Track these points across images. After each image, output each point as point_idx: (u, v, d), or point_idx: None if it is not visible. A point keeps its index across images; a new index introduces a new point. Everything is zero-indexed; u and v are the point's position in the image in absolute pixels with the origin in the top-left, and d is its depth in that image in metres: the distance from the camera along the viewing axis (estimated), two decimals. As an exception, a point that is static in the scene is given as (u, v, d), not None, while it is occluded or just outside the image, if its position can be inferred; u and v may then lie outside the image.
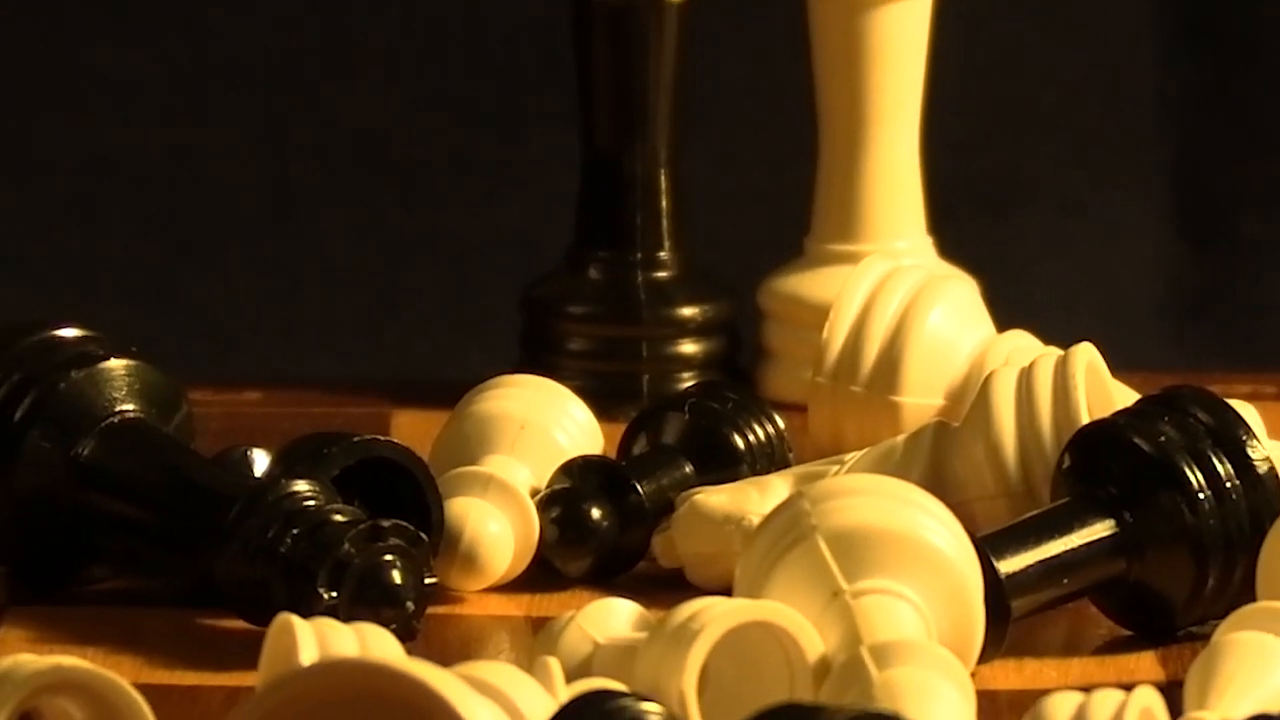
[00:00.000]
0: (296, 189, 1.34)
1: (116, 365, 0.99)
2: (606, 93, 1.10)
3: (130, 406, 0.99)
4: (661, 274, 1.11)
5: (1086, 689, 0.81)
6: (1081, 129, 1.34)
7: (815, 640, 0.86)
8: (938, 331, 1.05)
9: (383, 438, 1.00)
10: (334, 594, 0.92)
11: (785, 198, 1.14)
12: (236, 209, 1.36)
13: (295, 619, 0.87)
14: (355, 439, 0.99)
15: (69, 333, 1.00)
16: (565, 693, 0.82)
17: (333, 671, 0.77)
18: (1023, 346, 1.03)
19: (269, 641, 0.87)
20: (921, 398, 1.04)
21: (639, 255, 1.11)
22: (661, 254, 1.11)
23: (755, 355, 1.14)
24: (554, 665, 0.84)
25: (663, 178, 1.11)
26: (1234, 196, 1.34)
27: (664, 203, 1.11)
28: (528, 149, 1.26)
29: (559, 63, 1.12)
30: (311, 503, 0.94)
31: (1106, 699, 0.79)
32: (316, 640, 0.86)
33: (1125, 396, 1.00)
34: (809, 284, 1.11)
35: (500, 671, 0.82)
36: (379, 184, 1.34)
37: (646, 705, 0.79)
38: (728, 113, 1.19)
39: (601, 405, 1.05)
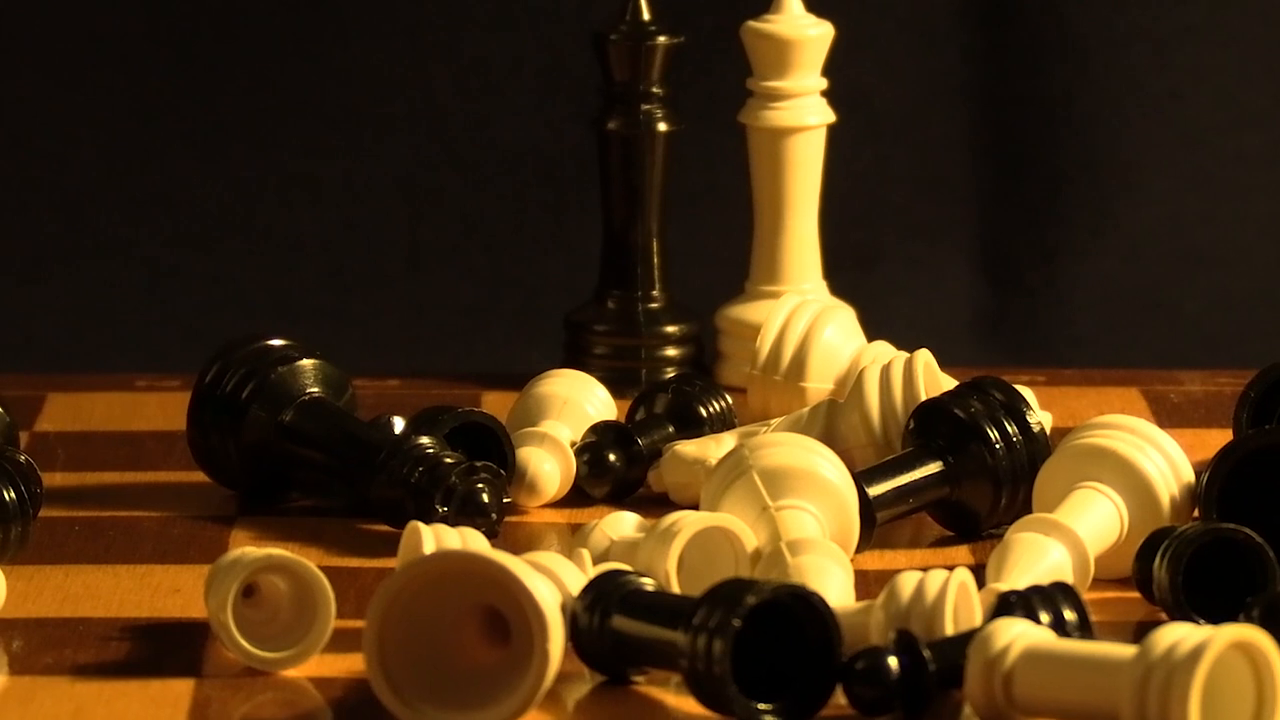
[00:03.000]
0: (428, 239, 1.32)
1: (307, 363, 0.98)
2: (619, 190, 1.07)
3: (316, 389, 0.98)
4: (654, 305, 1.09)
5: (924, 569, 0.81)
6: (917, 212, 1.30)
7: (751, 538, 0.86)
8: (830, 341, 1.02)
9: (476, 410, 0.99)
10: (445, 509, 0.92)
11: (733, 258, 1.11)
12: (383, 254, 1.33)
13: (421, 525, 0.86)
14: (459, 410, 0.98)
15: (277, 342, 0.99)
16: (593, 572, 0.82)
17: (443, 558, 0.78)
18: (883, 352, 1.01)
19: (404, 539, 0.87)
20: (819, 384, 1.02)
21: (640, 293, 1.08)
22: (654, 293, 1.09)
23: (713, 357, 1.12)
24: (586, 554, 0.85)
25: (655, 245, 1.08)
26: (1021, 256, 1.30)
27: (656, 260, 1.08)
28: (570, 225, 1.25)
29: (591, 170, 1.09)
30: (431, 450, 0.94)
31: (937, 575, 0.80)
32: (434, 538, 0.85)
33: (948, 384, 0.99)
34: (748, 312, 1.09)
35: (552, 558, 0.83)
36: (476, 246, 1.32)
37: (644, 579, 0.81)
38: (697, 204, 1.17)
39: (615, 389, 1.03)
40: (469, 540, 0.86)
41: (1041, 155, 1.31)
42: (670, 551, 0.85)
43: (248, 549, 0.84)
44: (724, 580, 0.79)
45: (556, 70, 1.29)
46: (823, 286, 1.11)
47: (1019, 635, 0.76)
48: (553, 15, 1.28)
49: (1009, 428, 0.93)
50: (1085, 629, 0.80)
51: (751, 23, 1.05)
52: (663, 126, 1.06)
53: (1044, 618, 0.79)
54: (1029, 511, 0.91)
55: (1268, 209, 1.30)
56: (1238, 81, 1.30)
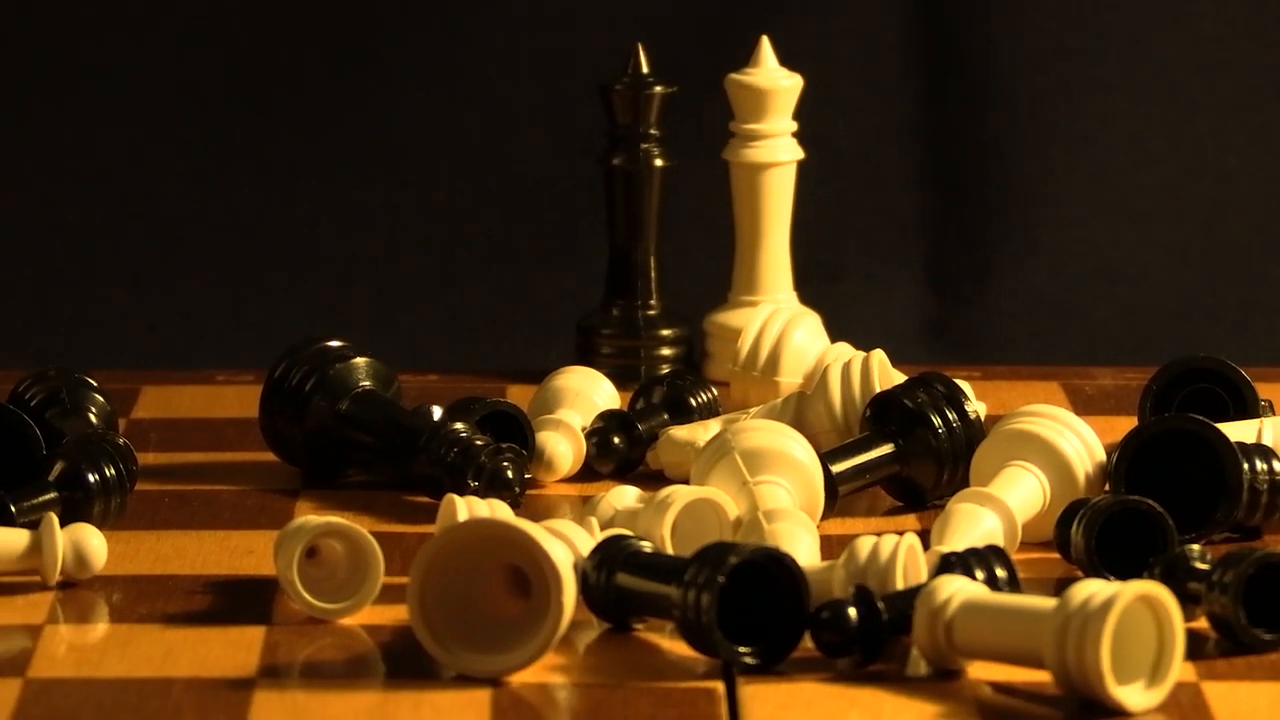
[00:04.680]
0: (462, 258, 1.31)
1: (359, 360, 0.97)
2: (622, 216, 1.07)
3: (368, 383, 0.97)
4: (652, 312, 1.08)
5: (879, 535, 0.81)
6: (873, 235, 1.30)
7: (733, 508, 0.86)
8: (800, 342, 1.02)
9: (503, 400, 0.99)
10: (476, 483, 0.91)
11: (718, 273, 1.10)
12: (424, 271, 1.32)
13: (456, 497, 0.86)
14: (488, 400, 0.98)
15: (334, 343, 0.98)
16: (600, 536, 0.82)
17: (474, 525, 0.79)
18: (844, 351, 1.00)
19: (441, 509, 0.86)
20: (791, 379, 1.02)
21: (639, 302, 1.07)
22: (652, 302, 1.08)
23: (702, 356, 1.10)
24: (594, 522, 0.85)
25: (652, 262, 1.07)
26: (961, 273, 1.31)
27: (653, 275, 1.07)
28: (581, 246, 1.23)
29: (598, 200, 1.08)
30: (464, 434, 0.93)
31: (889, 539, 0.80)
32: (467, 508, 0.85)
33: (898, 378, 0.98)
34: (730, 318, 1.08)
35: (566, 525, 0.83)
36: (501, 264, 1.31)
37: (643, 543, 0.81)
38: (688, 227, 1.16)
39: (619, 383, 1.02)
40: (496, 510, 0.86)
41: (977, 188, 1.31)
42: (665, 520, 0.84)
43: (310, 517, 0.84)
44: (710, 544, 0.79)
45: (569, 116, 1.28)
46: (793, 297, 1.09)
47: (958, 590, 0.76)
48: (567, 70, 1.28)
49: (950, 415, 0.93)
50: (1014, 585, 0.80)
51: (733, 75, 1.05)
52: (659, 162, 1.05)
53: (979, 575, 0.79)
54: (967, 485, 0.90)
55: (1165, 234, 1.30)
56: (1141, 127, 1.30)
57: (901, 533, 0.82)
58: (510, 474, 0.92)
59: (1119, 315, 1.29)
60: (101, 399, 0.99)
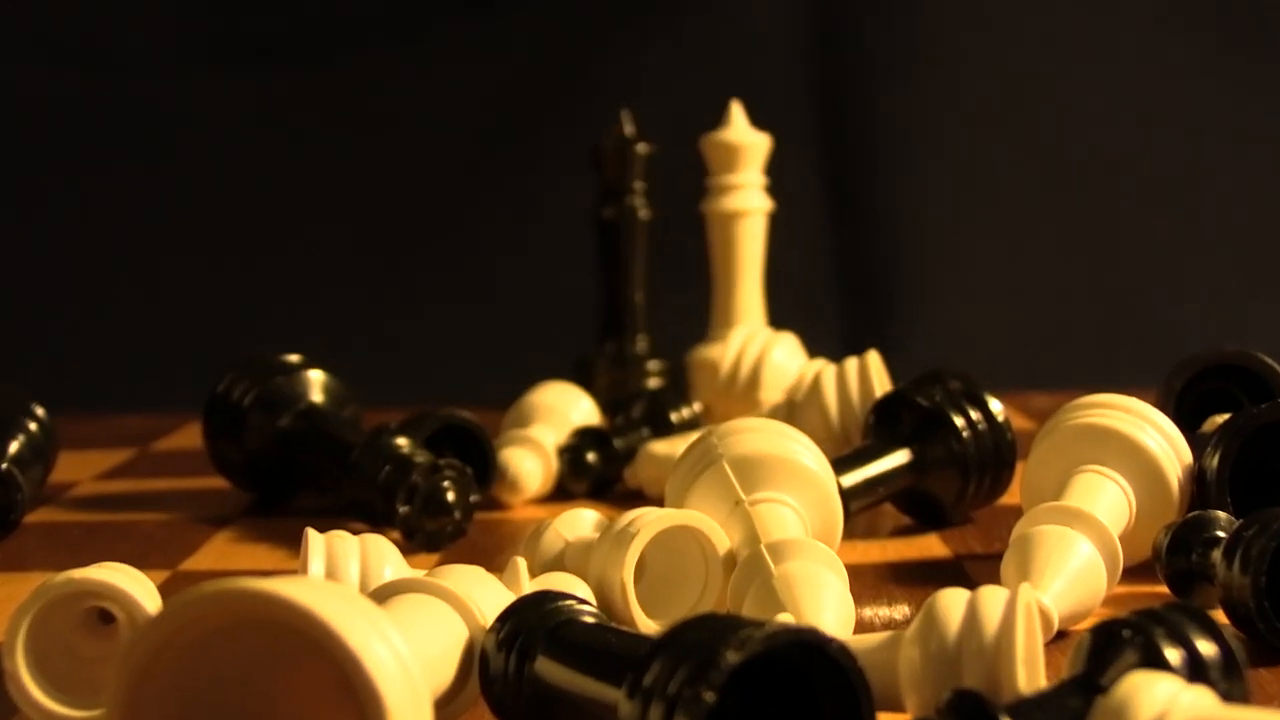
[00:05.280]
0: (482, 310, 1.21)
1: (310, 374, 0.74)
2: (612, 262, 0.98)
3: (317, 398, 0.73)
4: (639, 348, 0.97)
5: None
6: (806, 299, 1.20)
7: (724, 538, 0.51)
8: (779, 359, 0.86)
9: (458, 413, 0.71)
10: (407, 507, 0.64)
11: (699, 312, 1.01)
12: (451, 320, 1.22)
13: (312, 532, 0.51)
14: (440, 413, 0.71)
15: (292, 357, 0.77)
16: (530, 586, 0.45)
17: (239, 600, 0.33)
18: (821, 365, 0.82)
19: (303, 545, 0.52)
20: (773, 396, 0.83)
21: (628, 339, 0.98)
22: (639, 339, 0.97)
23: (685, 389, 1.00)
24: (521, 564, 0.48)
25: (639, 304, 0.98)
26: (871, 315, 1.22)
27: (640, 316, 0.98)
28: (580, 291, 1.10)
29: (590, 248, 0.96)
30: (401, 450, 0.68)
31: (992, 597, 0.41)
32: (325, 548, 0.51)
33: (885, 385, 0.71)
34: (710, 351, 0.96)
35: (468, 575, 0.45)
36: (511, 307, 1.25)
37: (584, 606, 0.40)
38: (670, 271, 1.06)
39: (611, 410, 0.84)
40: (370, 550, 0.50)
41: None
42: (626, 558, 0.50)
43: (70, 574, 0.49)
44: (692, 618, 0.36)
45: (566, 177, 1.14)
46: (767, 331, 0.94)
47: (1170, 700, 0.34)
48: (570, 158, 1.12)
49: (973, 414, 0.65)
50: (1232, 670, 0.38)
51: (708, 134, 0.93)
52: (643, 214, 0.94)
53: (1172, 656, 0.38)
54: (995, 499, 0.60)
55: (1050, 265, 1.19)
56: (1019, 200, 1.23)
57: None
58: (451, 496, 0.63)
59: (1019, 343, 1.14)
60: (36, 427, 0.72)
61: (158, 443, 0.89)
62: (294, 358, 0.77)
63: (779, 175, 0.96)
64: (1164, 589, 0.56)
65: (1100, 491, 0.60)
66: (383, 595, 0.45)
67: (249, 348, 0.80)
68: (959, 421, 0.68)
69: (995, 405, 0.68)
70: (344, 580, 0.49)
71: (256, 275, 1.16)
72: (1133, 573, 0.59)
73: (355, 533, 0.56)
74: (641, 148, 0.97)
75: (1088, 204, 1.21)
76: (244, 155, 1.16)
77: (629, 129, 0.98)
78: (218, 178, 1.15)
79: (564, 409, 0.82)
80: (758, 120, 0.92)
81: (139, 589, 0.47)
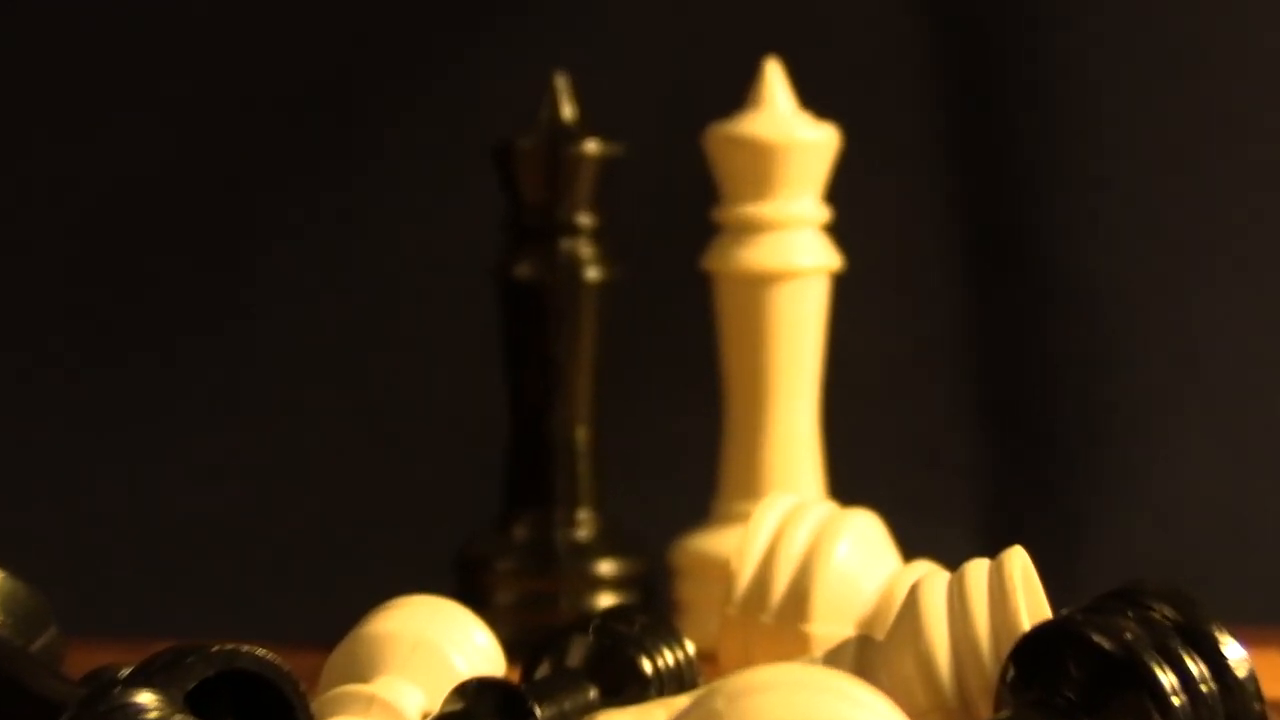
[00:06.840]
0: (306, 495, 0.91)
1: None
2: (532, 362, 0.71)
3: None
4: (580, 532, 0.71)
5: None
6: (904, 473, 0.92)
7: None
8: (845, 562, 0.61)
9: (246, 648, 0.55)
10: None
11: (695, 465, 0.75)
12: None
13: None
14: (222, 651, 0.54)
15: None
16: None
17: None
18: (922, 571, 0.61)
19: None
20: (832, 628, 0.60)
21: (558, 514, 0.71)
22: (580, 512, 0.71)
23: (667, 608, 0.73)
24: None
25: (581, 445, 0.72)
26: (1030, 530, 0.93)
27: (584, 469, 0.72)
28: (467, 415, 0.83)
29: (492, 338, 0.73)
30: (153, 714, 0.48)
31: None
32: None
33: (1040, 609, 0.56)
34: (717, 541, 0.72)
35: None
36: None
37: None
38: (644, 383, 0.81)
39: (516, 651, 0.61)
40: None
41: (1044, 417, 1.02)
42: None
43: None
44: None
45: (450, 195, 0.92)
46: (824, 505, 0.68)
47: None
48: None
49: (1193, 667, 0.48)
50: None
51: (717, 125, 0.72)
52: (591, 274, 0.72)
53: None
54: None
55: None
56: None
57: None
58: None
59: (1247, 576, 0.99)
60: None
61: None
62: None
63: (862, 204, 0.79)
64: None
65: None
66: None
67: None
68: (1167, 679, 0.48)
69: (1234, 651, 0.49)
70: None
71: None
72: None
73: None
74: (591, 148, 0.74)
75: None
76: None
77: (567, 111, 0.75)
78: None
79: (439, 644, 0.59)
80: (822, 106, 0.77)
81: None
